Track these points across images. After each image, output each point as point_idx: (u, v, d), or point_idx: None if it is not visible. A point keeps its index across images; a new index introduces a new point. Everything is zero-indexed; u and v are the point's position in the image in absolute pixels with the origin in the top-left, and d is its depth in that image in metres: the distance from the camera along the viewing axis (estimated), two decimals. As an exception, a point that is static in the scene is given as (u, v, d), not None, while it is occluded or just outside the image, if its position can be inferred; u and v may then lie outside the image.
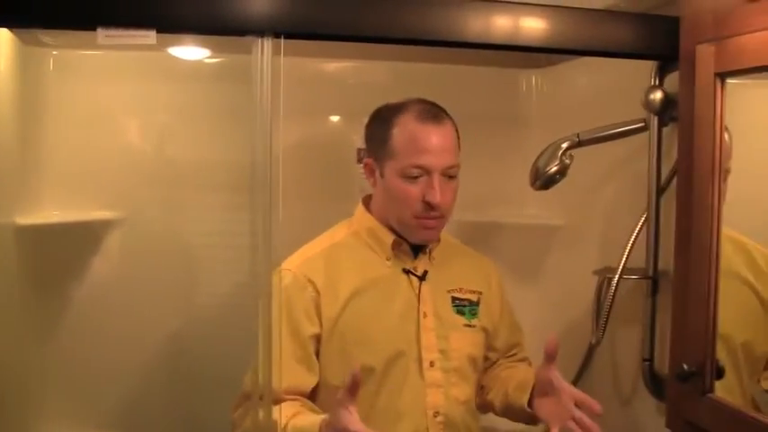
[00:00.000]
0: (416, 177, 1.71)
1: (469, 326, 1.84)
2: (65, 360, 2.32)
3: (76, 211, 2.27)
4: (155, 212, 2.39)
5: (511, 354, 1.98)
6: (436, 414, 1.77)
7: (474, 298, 1.87)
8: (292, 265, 1.80)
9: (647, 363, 1.85)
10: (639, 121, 1.86)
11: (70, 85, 2.28)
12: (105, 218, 2.30)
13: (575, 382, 2.03)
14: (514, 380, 1.83)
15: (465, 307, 1.85)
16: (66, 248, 2.29)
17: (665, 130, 1.82)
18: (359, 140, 2.43)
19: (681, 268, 1.49)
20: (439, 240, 1.86)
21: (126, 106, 2.36)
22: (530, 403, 1.73)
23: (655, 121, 1.82)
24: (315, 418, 1.59)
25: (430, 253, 1.85)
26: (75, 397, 2.36)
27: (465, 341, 1.83)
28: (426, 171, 1.70)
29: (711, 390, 1.40)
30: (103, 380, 2.36)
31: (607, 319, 1.86)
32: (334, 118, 2.54)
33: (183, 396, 2.47)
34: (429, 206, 1.71)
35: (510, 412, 1.84)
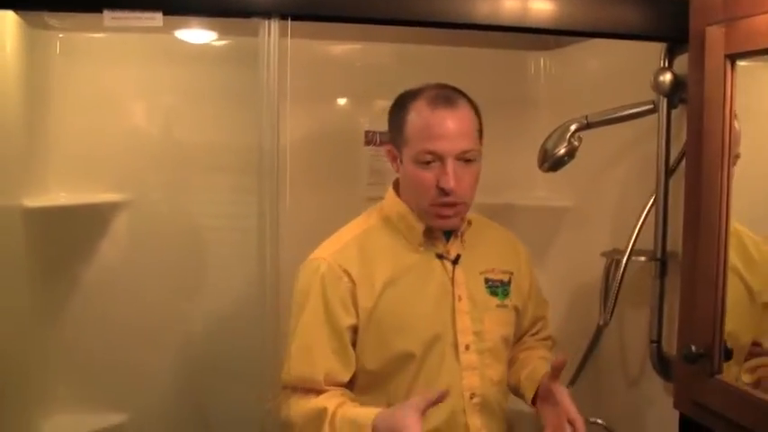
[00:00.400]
0: (430, 163, 1.69)
1: (502, 306, 1.84)
2: (71, 342, 2.33)
3: (83, 194, 2.27)
4: (162, 194, 2.40)
5: (535, 331, 1.99)
6: (472, 396, 1.77)
7: (506, 278, 1.87)
8: (326, 254, 1.78)
9: (655, 344, 1.85)
10: (648, 104, 1.86)
11: (77, 68, 2.28)
12: (112, 200, 2.31)
13: (582, 364, 2.03)
14: (528, 368, 1.84)
15: (498, 287, 1.85)
16: (74, 231, 2.29)
17: (674, 112, 1.81)
18: (366, 123, 2.43)
19: (689, 250, 1.49)
20: (470, 223, 1.84)
21: (132, 89, 2.36)
22: (533, 400, 1.77)
23: (664, 103, 1.81)
24: (368, 411, 1.59)
25: (461, 236, 1.83)
26: (80, 379, 2.37)
27: (498, 322, 1.83)
28: (439, 157, 1.68)
29: (720, 371, 1.40)
30: (110, 362, 2.37)
31: (615, 300, 1.87)
32: (342, 100, 2.53)
33: (190, 379, 2.49)
34: (443, 192, 1.69)
35: (518, 396, 1.86)
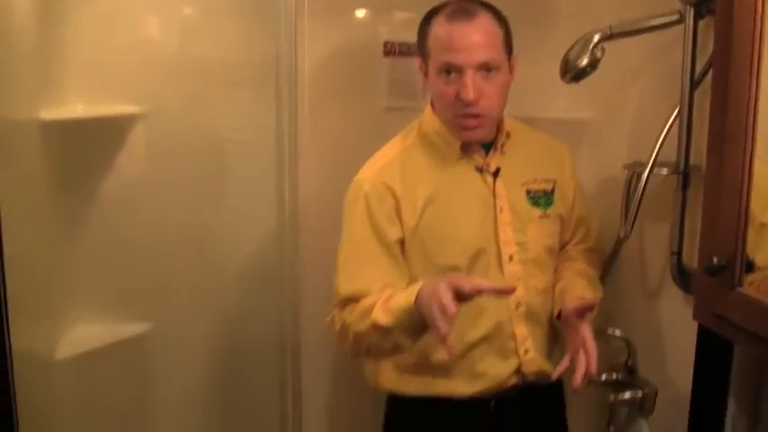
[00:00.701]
0: (450, 75, 1.70)
1: (545, 216, 1.87)
2: (93, 253, 2.35)
3: (100, 106, 2.25)
4: (179, 107, 2.38)
5: (577, 241, 2.01)
6: (518, 306, 1.82)
7: (548, 187, 1.88)
8: (369, 173, 1.82)
9: (676, 256, 1.84)
10: (674, 13, 1.81)
11: (92, -23, 2.24)
12: (130, 112, 2.29)
13: (602, 276, 2.03)
14: (564, 280, 1.89)
15: (540, 198, 1.87)
16: (91, 143, 2.29)
17: (700, 23, 1.77)
18: (385, 33, 2.39)
19: (714, 162, 1.46)
20: (508, 135, 1.85)
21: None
22: (558, 316, 1.82)
23: (691, 12, 1.77)
24: (410, 289, 1.65)
25: (501, 148, 1.84)
26: (103, 289, 2.40)
27: (541, 232, 1.86)
28: (458, 68, 1.69)
29: (741, 284, 1.39)
30: (132, 272, 2.40)
31: (636, 212, 1.86)
32: (360, 12, 2.47)
33: (212, 287, 2.51)
34: (464, 104, 1.70)
35: None
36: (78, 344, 2.31)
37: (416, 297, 1.60)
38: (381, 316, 1.67)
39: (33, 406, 1.75)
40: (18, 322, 1.49)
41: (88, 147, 2.29)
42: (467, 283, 1.52)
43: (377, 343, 1.76)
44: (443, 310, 1.48)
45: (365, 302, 1.73)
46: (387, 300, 1.69)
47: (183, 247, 2.45)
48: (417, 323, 1.63)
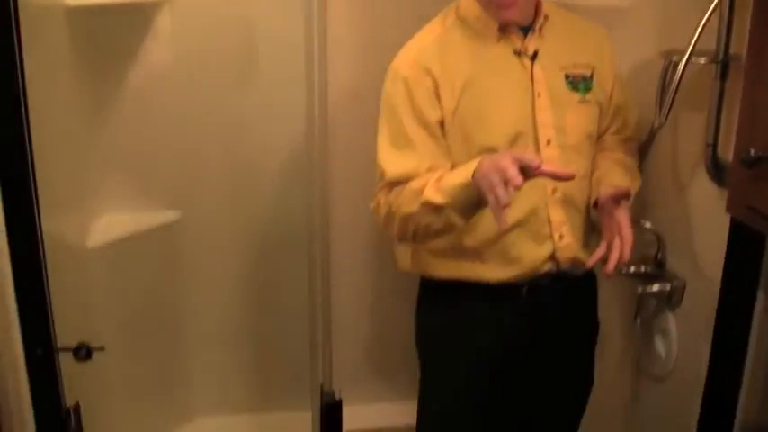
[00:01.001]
0: None
1: (584, 101, 1.85)
2: (123, 141, 2.37)
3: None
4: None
5: (615, 129, 1.99)
6: (554, 191, 1.82)
7: (587, 72, 1.86)
8: (406, 58, 1.81)
9: (711, 148, 1.81)
10: None
11: None
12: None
13: (640, 167, 2.01)
14: (600, 169, 1.89)
15: (579, 83, 1.84)
16: (117, 30, 2.27)
17: None
18: None
19: (755, 51, 1.41)
20: (546, 17, 1.82)
21: None
22: (596, 204, 1.83)
23: None
24: (466, 166, 1.64)
25: (539, 31, 1.81)
26: (133, 178, 2.42)
27: (581, 118, 1.85)
28: None
29: (777, 180, 1.37)
30: (162, 160, 2.41)
31: (672, 102, 1.81)
32: None
33: (239, 178, 2.52)
34: None
35: None
36: (109, 232, 2.34)
37: (474, 171, 1.59)
38: (434, 194, 1.67)
39: (66, 294, 1.78)
40: (48, 211, 1.50)
41: (114, 33, 2.27)
42: (535, 159, 1.51)
43: (427, 224, 1.74)
44: (507, 180, 1.47)
45: (414, 185, 1.73)
46: (439, 179, 1.69)
47: (211, 137, 2.45)
48: (473, 199, 1.63)
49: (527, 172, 1.51)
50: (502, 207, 1.49)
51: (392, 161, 1.79)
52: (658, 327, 2.07)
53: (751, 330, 1.66)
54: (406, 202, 1.74)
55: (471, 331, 1.90)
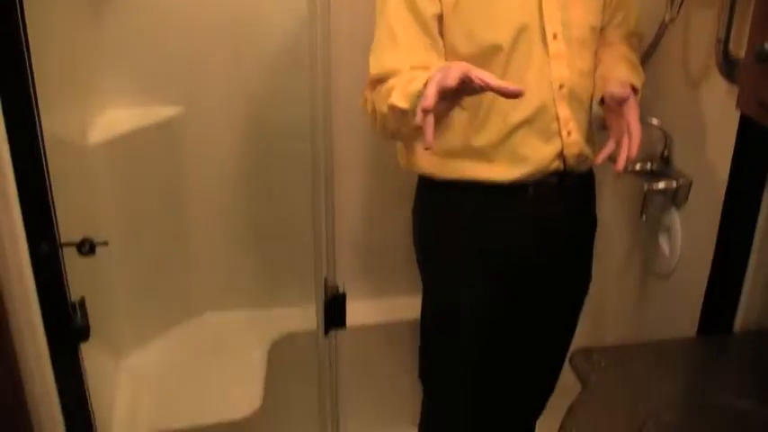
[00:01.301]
0: None
1: None
2: (119, 38, 2.32)
3: None
4: None
5: (617, 22, 1.95)
6: (561, 86, 1.78)
7: None
8: None
9: (722, 43, 1.77)
10: None
11: None
12: None
13: (643, 62, 1.97)
14: (604, 64, 1.86)
15: None
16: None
17: None
18: None
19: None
20: None
21: None
22: (602, 101, 1.80)
23: None
24: (429, 72, 1.53)
25: None
26: (132, 72, 2.39)
27: (585, 10, 1.80)
28: None
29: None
30: (162, 53, 2.38)
31: (684, -5, 1.78)
32: None
33: (241, 72, 2.49)
34: None
35: None
36: (110, 128, 2.32)
37: (429, 77, 1.49)
38: (399, 98, 1.61)
39: (68, 191, 1.78)
40: (48, 107, 1.48)
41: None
42: (479, 72, 1.41)
43: (397, 128, 1.71)
44: (433, 93, 1.39)
45: (390, 83, 1.67)
46: (408, 82, 1.61)
47: (212, 31, 2.41)
48: None
49: (471, 86, 1.42)
50: (419, 118, 1.40)
51: (376, 56, 1.74)
52: (663, 224, 2.07)
53: (756, 230, 1.67)
54: (380, 101, 1.70)
55: (474, 232, 1.90)
